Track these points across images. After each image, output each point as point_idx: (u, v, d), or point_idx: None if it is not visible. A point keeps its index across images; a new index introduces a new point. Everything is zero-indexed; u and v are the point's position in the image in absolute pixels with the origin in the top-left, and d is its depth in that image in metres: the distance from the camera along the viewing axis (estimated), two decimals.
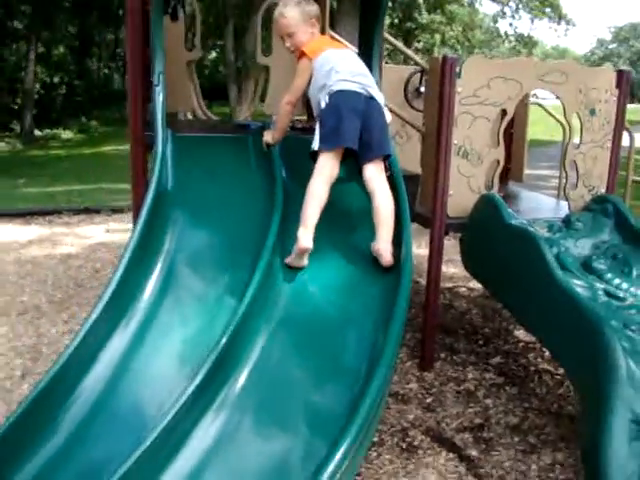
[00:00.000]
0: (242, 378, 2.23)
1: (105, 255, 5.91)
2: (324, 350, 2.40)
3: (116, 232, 6.81)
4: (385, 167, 2.79)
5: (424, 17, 29.80)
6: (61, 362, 2.16)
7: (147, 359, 2.32)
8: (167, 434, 1.99)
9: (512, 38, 33.95)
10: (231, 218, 2.72)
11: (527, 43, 33.78)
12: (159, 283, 2.47)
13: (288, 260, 2.59)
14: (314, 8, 2.90)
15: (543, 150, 14.45)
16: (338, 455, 1.75)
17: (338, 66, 2.76)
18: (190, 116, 4.66)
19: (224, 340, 2.20)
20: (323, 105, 2.73)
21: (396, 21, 28.71)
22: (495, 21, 35.51)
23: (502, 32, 35.08)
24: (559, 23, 31.25)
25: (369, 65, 3.00)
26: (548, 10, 30.31)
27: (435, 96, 3.42)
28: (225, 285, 2.50)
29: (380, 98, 2.81)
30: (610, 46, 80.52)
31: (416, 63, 4.09)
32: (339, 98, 2.68)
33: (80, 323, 4.18)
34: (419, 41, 31.51)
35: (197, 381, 2.09)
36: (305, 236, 2.55)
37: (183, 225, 2.64)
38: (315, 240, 2.57)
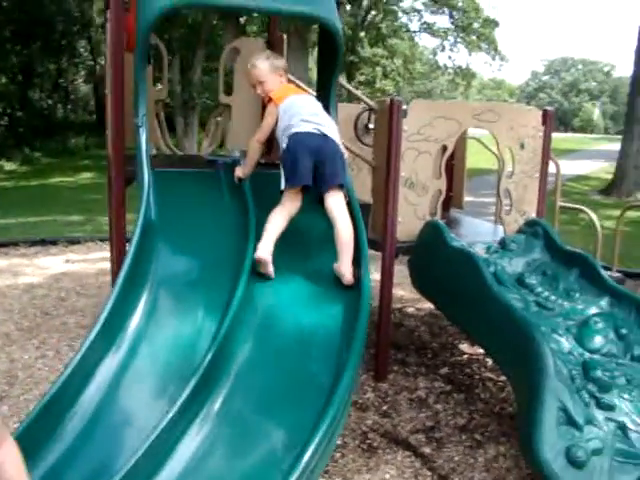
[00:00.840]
0: (223, 393, 2.51)
1: (68, 284, 6.08)
2: (295, 365, 2.68)
3: (76, 262, 6.98)
4: (344, 195, 3.16)
5: (366, 51, 30.74)
6: (61, 379, 2.38)
7: (138, 376, 2.56)
8: (158, 443, 2.24)
9: (451, 70, 35.20)
10: (210, 245, 3.01)
11: (465, 75, 35.08)
12: (147, 306, 2.72)
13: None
14: (281, 62, 3.30)
15: (484, 178, 15.14)
16: (305, 458, 2.07)
17: (298, 109, 3.15)
18: (154, 151, 4.95)
19: (208, 357, 2.47)
20: (284, 147, 3.10)
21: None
22: (434, 54, 36.81)
23: (441, 64, 36.35)
24: (494, 58, 32.61)
25: (327, 106, 3.38)
26: (484, 45, 31.61)
27: (384, 133, 3.83)
28: (207, 307, 2.77)
29: (334, 135, 3.19)
30: (543, 78, 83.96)
31: (366, 103, 4.50)
32: (296, 140, 3.06)
33: (51, 349, 4.45)
34: (362, 74, 32.44)
35: (184, 396, 2.35)
36: (261, 249, 2.92)
37: (167, 254, 2.92)
38: (284, 263, 2.93)
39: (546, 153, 4.20)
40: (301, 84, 3.97)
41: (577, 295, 3.51)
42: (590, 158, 25.49)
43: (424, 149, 3.86)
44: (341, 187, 3.15)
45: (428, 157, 3.89)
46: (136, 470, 2.17)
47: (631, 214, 10.90)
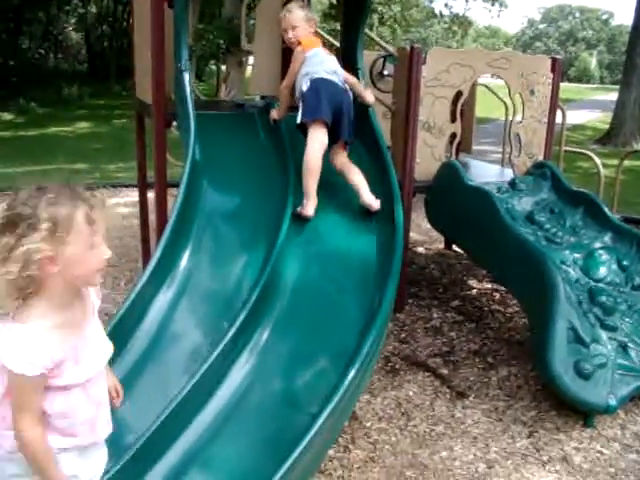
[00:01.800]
0: (271, 324, 2.70)
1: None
2: (337, 295, 2.89)
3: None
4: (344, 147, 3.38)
5: None
6: (121, 312, 2.51)
7: (191, 309, 2.75)
8: (211, 371, 2.40)
9: (447, 18, 34.76)
10: (253, 183, 3.24)
11: (462, 23, 34.66)
12: (195, 248, 2.90)
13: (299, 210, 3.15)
14: (314, 15, 3.51)
15: (482, 127, 15.29)
16: (352, 372, 2.29)
17: (322, 60, 3.36)
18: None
19: (257, 290, 2.64)
20: (305, 88, 3.31)
21: (334, 1, 29.12)
22: (431, 1, 36.27)
23: (437, 12, 35.84)
24: (493, 4, 32.22)
25: (355, 55, 3.61)
26: None
27: (404, 79, 4.05)
28: (253, 242, 2.98)
29: (350, 94, 3.41)
30: (540, 26, 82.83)
31: (386, 50, 4.69)
32: (320, 83, 3.27)
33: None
34: None
35: (234, 328, 2.51)
36: (308, 207, 3.13)
37: (214, 192, 3.12)
38: (321, 201, 3.17)
39: (554, 99, 4.44)
40: (329, 38, 4.17)
41: (582, 231, 3.81)
42: (586, 108, 25.55)
43: (441, 94, 4.09)
44: (346, 145, 3.37)
45: (445, 102, 4.12)
46: (191, 397, 2.33)
47: (627, 163, 11.17)
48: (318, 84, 3.26)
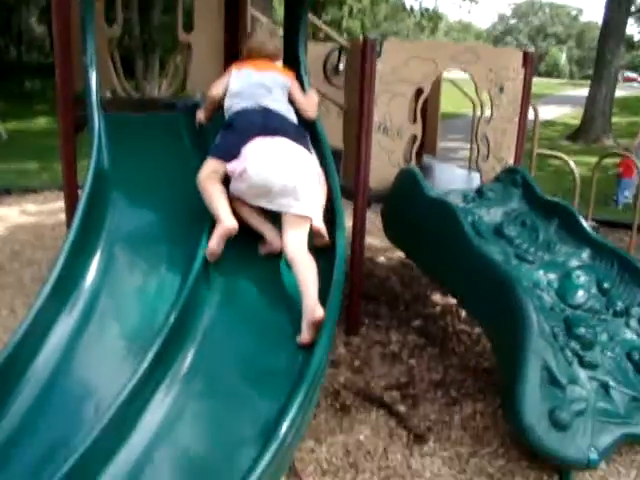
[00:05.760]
0: (190, 354, 2.31)
1: (23, 236, 5.76)
2: (266, 324, 2.49)
3: (32, 214, 6.63)
4: None
5: None
6: (10, 348, 2.15)
7: (94, 341, 2.34)
8: (122, 411, 2.03)
9: (417, 13, 34.41)
10: (170, 196, 2.77)
11: (432, 18, 34.35)
12: (103, 261, 2.49)
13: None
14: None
15: (451, 122, 14.92)
16: (291, 414, 1.89)
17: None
18: (108, 93, 4.61)
19: (172, 317, 2.26)
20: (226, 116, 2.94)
21: None
22: None
23: (407, 6, 35.48)
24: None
25: (296, 46, 3.13)
26: None
27: (356, 74, 3.57)
28: (168, 262, 2.55)
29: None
30: (511, 21, 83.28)
31: (337, 42, 4.22)
32: (237, 120, 2.89)
33: (5, 306, 4.18)
34: (327, 14, 31.55)
35: (148, 359, 2.14)
36: (215, 233, 2.61)
37: (123, 204, 2.67)
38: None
39: (526, 97, 4.00)
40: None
41: (557, 247, 3.38)
42: (556, 103, 25.37)
43: (398, 91, 3.62)
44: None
45: (403, 100, 3.65)
46: (97, 445, 1.97)
47: (595, 160, 10.89)
48: (234, 121, 2.84)
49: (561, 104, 25.24)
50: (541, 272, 3.15)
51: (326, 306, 2.36)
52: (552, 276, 3.14)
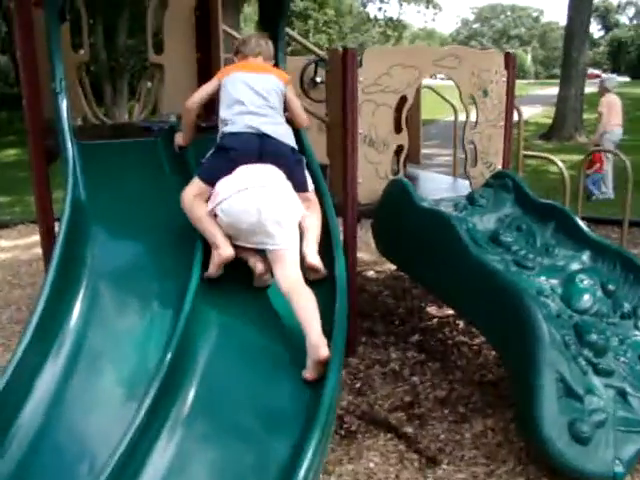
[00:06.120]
0: (191, 391, 2.17)
1: None
2: (268, 357, 2.36)
3: (7, 250, 6.40)
4: None
5: (297, 4, 29.92)
6: None
7: (85, 388, 2.18)
8: (122, 466, 1.88)
9: (382, 22, 34.62)
10: (153, 227, 2.62)
11: (396, 27, 34.57)
12: (87, 304, 2.34)
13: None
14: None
15: (425, 128, 14.88)
16: (306, 460, 1.74)
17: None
18: (79, 121, 4.46)
19: (168, 357, 2.11)
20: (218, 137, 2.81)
21: None
22: (364, 6, 36.13)
23: (372, 16, 35.69)
24: (427, 7, 32.24)
25: (275, 56, 3.02)
26: None
27: (337, 86, 3.46)
28: (157, 298, 2.41)
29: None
30: (474, 26, 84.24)
31: (315, 54, 4.11)
32: (229, 142, 2.80)
33: None
34: (293, 28, 31.63)
35: (148, 401, 1.99)
36: (213, 260, 2.53)
37: (103, 238, 2.53)
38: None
39: (510, 99, 3.91)
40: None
41: (556, 251, 3.28)
42: (527, 104, 25.56)
43: (382, 101, 3.51)
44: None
45: (387, 110, 3.54)
46: None
47: (574, 157, 10.90)
48: (228, 144, 2.70)
49: (531, 104, 25.42)
50: (542, 278, 3.04)
51: (331, 343, 2.22)
52: (554, 281, 3.03)
